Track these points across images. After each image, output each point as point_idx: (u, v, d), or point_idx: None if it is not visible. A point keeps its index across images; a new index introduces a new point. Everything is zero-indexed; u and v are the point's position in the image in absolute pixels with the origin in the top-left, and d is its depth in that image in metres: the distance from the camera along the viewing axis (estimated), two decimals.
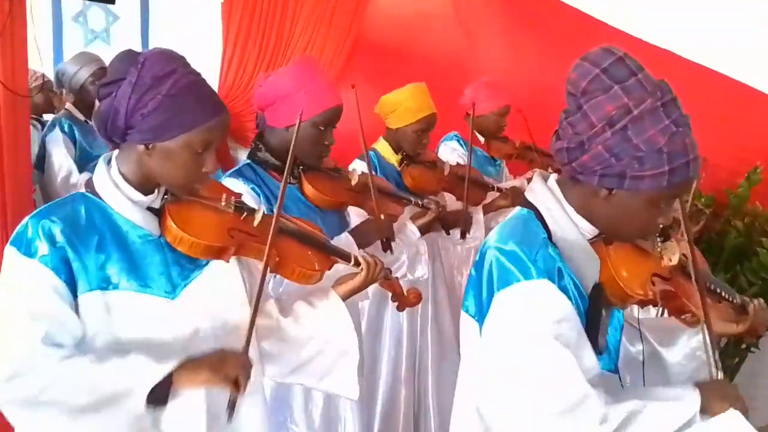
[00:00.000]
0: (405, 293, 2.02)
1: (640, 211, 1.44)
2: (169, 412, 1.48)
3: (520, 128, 3.67)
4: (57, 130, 3.91)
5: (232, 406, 1.51)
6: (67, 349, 1.47)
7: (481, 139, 3.69)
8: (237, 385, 1.49)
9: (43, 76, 3.99)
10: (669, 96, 1.39)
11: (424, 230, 2.72)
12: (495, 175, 3.71)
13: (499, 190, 3.22)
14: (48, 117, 4.38)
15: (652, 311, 2.01)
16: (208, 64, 4.46)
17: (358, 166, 2.73)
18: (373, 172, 2.89)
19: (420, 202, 2.73)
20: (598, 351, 1.46)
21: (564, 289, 1.42)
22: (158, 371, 1.46)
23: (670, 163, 1.38)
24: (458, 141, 3.70)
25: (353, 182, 2.45)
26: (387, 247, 2.48)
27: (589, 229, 1.50)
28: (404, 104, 2.97)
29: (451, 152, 3.62)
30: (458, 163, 3.28)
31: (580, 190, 1.48)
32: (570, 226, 1.49)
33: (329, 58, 4.71)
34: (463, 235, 2.96)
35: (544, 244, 1.44)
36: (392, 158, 3.03)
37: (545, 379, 1.38)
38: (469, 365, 1.57)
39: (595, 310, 1.46)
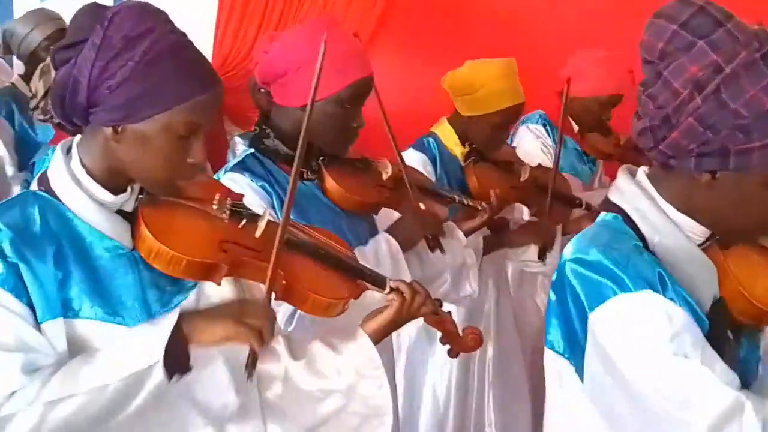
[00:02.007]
0: (460, 333, 1.97)
1: (755, 196, 1.46)
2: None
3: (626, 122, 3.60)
4: None
5: (253, 363, 1.58)
6: (49, 371, 1.50)
7: (575, 126, 3.63)
8: (261, 338, 1.56)
9: None
10: None
11: (469, 234, 2.72)
12: (586, 178, 3.69)
13: (588, 208, 3.16)
14: None
15: None
16: (199, 24, 4.49)
17: (414, 157, 2.74)
18: (430, 164, 2.96)
19: (466, 201, 2.75)
20: None
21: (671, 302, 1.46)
22: (161, 337, 1.49)
23: None
24: (546, 125, 3.65)
25: (385, 176, 2.46)
26: (435, 245, 2.47)
27: (698, 231, 1.53)
28: (487, 86, 2.92)
29: (533, 140, 3.58)
30: (540, 165, 3.23)
31: (677, 181, 1.51)
32: (670, 228, 1.52)
33: (355, 19, 4.76)
34: (542, 255, 2.94)
35: (636, 250, 1.48)
36: (456, 149, 3.03)
37: (678, 403, 1.40)
38: (561, 414, 1.59)
39: (719, 333, 1.48)
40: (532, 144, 3.53)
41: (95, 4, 1.57)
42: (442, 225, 2.53)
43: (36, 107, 2.83)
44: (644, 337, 1.43)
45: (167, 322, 1.52)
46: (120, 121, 1.52)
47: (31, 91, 2.85)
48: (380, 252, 2.28)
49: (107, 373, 1.48)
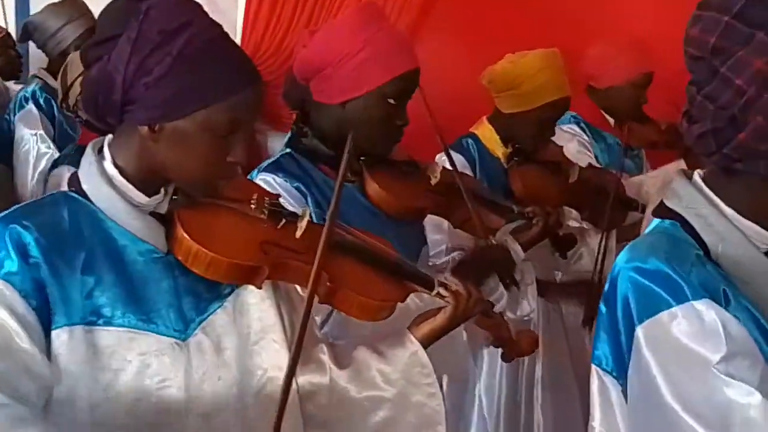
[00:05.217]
0: (514, 337, 2.01)
1: None
2: None
3: (664, 105, 3.65)
4: (31, 105, 3.96)
5: None
6: (26, 409, 1.48)
7: (611, 120, 3.72)
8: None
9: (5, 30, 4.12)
10: None
11: (528, 248, 2.74)
12: (634, 171, 3.69)
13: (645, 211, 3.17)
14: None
15: None
16: (224, 16, 4.49)
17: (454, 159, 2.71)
18: (469, 167, 2.95)
19: (525, 212, 2.75)
20: None
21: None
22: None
23: None
24: (579, 124, 3.71)
25: (434, 181, 2.48)
26: (511, 283, 2.53)
27: (764, 237, 1.49)
28: (530, 81, 2.97)
29: (569, 140, 3.60)
30: (590, 165, 3.25)
31: (742, 185, 1.49)
32: (736, 236, 1.48)
33: (397, 3, 4.74)
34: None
35: (699, 261, 1.45)
36: (498, 150, 3.06)
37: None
38: None
39: None
40: (567, 145, 3.50)
41: None
42: (515, 262, 2.55)
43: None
44: (694, 353, 1.39)
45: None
46: (157, 120, 1.55)
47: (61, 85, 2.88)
48: None
49: None
